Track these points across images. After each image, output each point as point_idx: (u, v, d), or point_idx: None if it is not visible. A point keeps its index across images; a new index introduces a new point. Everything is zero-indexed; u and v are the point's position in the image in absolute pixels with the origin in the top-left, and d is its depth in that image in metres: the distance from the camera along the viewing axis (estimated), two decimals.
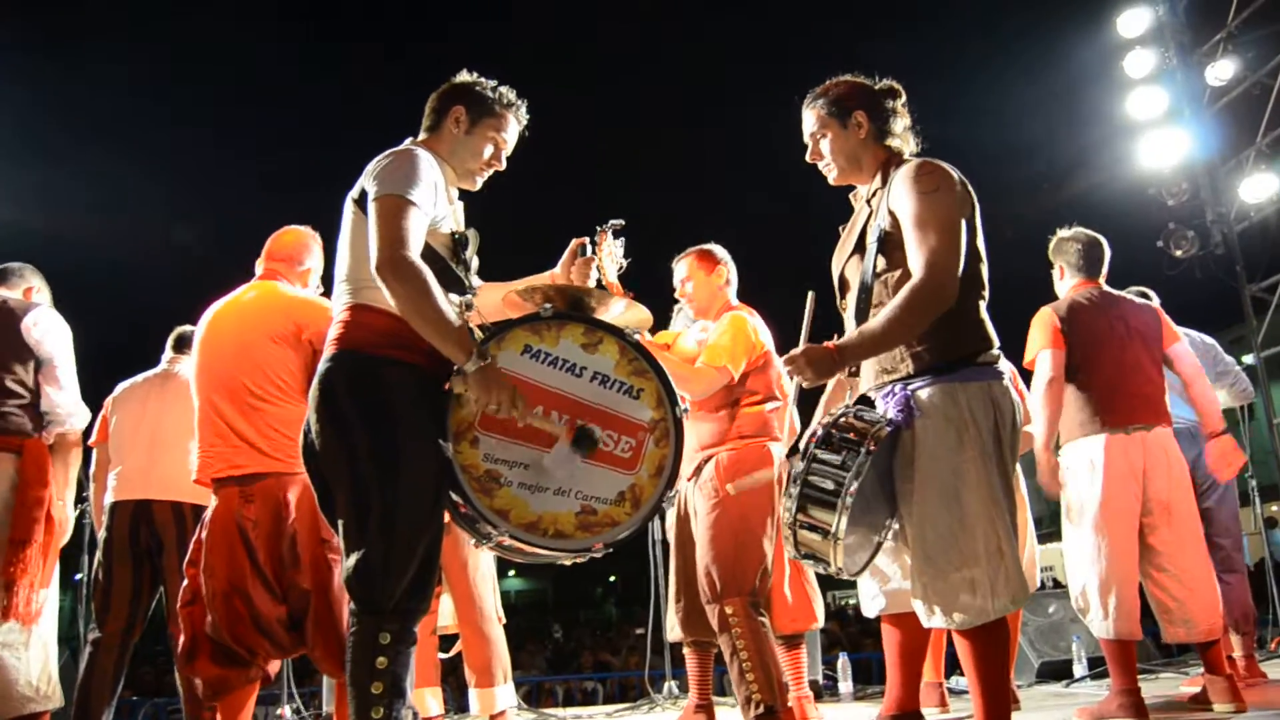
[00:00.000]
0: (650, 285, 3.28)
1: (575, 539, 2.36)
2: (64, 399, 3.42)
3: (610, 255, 3.03)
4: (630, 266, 3.12)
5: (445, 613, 3.86)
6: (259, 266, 3.37)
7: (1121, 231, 3.87)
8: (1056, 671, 5.46)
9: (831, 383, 3.26)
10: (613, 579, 33.97)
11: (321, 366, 2.35)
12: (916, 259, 2.33)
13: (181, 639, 3.01)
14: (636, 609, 19.72)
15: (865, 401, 2.56)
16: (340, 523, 2.29)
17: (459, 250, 2.47)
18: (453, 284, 2.41)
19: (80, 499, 4.27)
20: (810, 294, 2.53)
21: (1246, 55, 8.23)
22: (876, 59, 2.67)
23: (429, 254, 2.33)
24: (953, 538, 2.32)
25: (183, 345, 4.24)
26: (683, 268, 3.76)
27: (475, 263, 2.55)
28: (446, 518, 2.36)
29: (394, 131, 2.62)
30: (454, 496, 2.31)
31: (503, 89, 2.61)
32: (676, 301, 3.88)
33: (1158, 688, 4.61)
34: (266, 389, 3.05)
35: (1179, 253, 8.27)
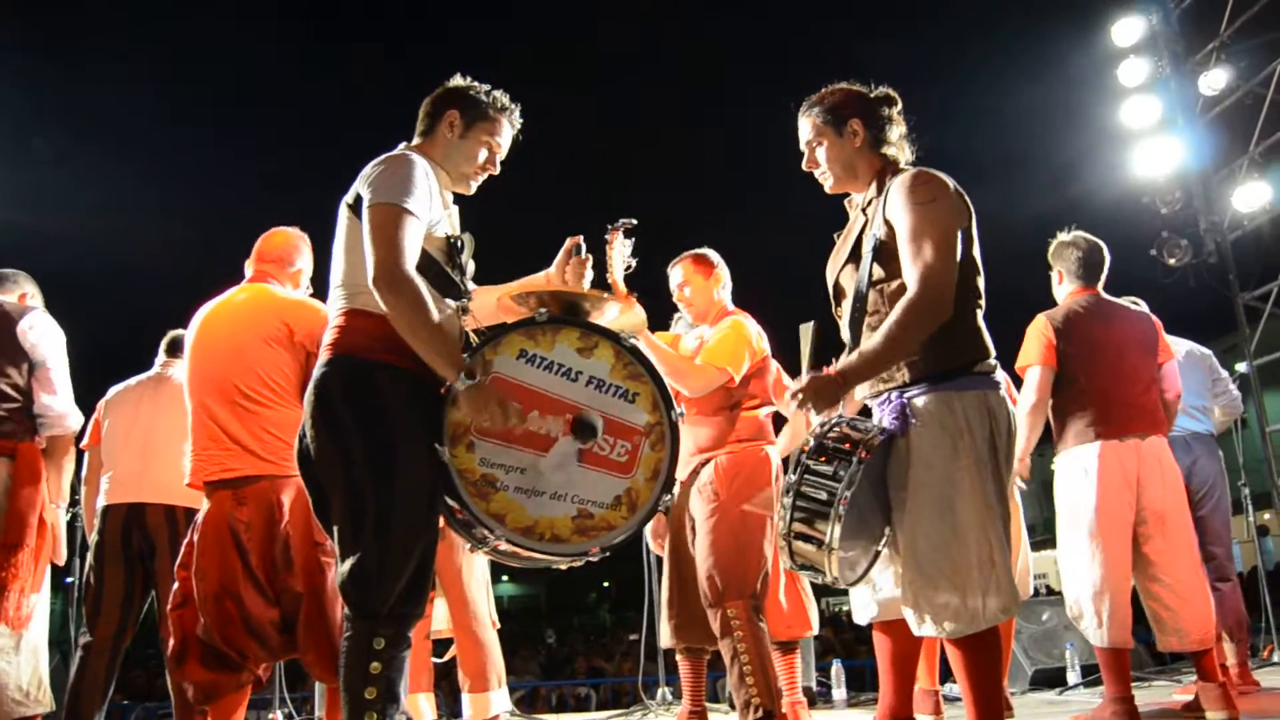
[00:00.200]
0: (647, 286, 3.28)
1: (571, 543, 2.36)
2: (57, 403, 3.41)
3: (620, 255, 3.02)
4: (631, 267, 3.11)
5: (439, 617, 3.85)
6: (249, 268, 3.36)
7: (1115, 240, 3.87)
8: (1050, 679, 5.46)
9: None
10: (606, 584, 33.96)
11: (317, 371, 2.35)
12: (912, 271, 2.33)
13: (171, 642, 3.00)
14: (630, 614, 19.72)
15: (861, 410, 2.56)
16: (335, 528, 2.29)
17: (454, 255, 2.47)
18: (448, 289, 2.41)
19: (72, 502, 4.24)
20: (812, 323, 2.52)
21: (1239, 64, 8.25)
22: (871, 66, 2.68)
23: (424, 259, 2.33)
24: (945, 547, 2.32)
25: (176, 349, 4.24)
26: (679, 272, 3.76)
27: (471, 267, 2.55)
28: (441, 522, 2.36)
29: (393, 132, 2.63)
30: (449, 501, 2.31)
31: (497, 93, 2.61)
32: (676, 308, 3.87)
33: (1151, 695, 4.61)
34: (260, 391, 3.04)
35: (1172, 261, 8.28)
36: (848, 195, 2.73)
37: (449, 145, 2.56)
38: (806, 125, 2.66)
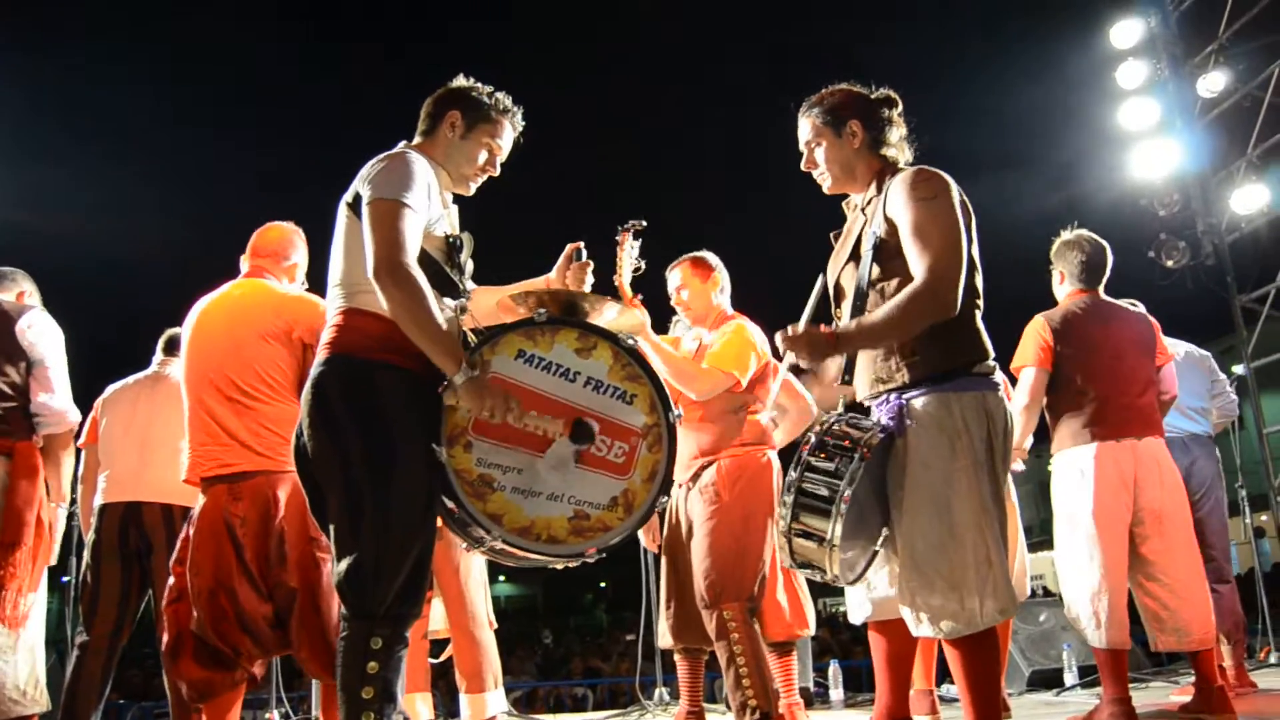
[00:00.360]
0: (646, 288, 3.28)
1: (568, 544, 2.36)
2: (55, 401, 3.40)
3: (629, 257, 3.01)
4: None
5: (436, 617, 3.85)
6: (244, 263, 3.36)
7: (1113, 241, 3.87)
8: (1047, 680, 5.46)
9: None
10: (603, 585, 33.94)
11: (314, 370, 2.34)
12: (919, 265, 2.33)
13: (166, 637, 3.00)
14: (627, 615, 19.70)
15: (859, 409, 2.56)
16: (332, 527, 2.28)
17: (453, 254, 2.47)
18: (447, 288, 2.41)
19: (70, 501, 4.24)
20: (820, 277, 2.53)
21: (1238, 67, 8.26)
22: (870, 67, 2.69)
23: (423, 258, 2.32)
24: (942, 547, 2.32)
25: (173, 348, 4.22)
26: (676, 275, 3.75)
27: (470, 267, 2.55)
28: (439, 521, 2.36)
29: (393, 132, 2.62)
30: (446, 501, 2.30)
31: (499, 94, 2.61)
32: (675, 311, 3.87)
33: (1148, 697, 4.61)
34: (257, 387, 3.03)
35: (1170, 263, 8.29)
36: (846, 196, 2.73)
37: (450, 145, 2.56)
38: (806, 126, 2.66)
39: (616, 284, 2.93)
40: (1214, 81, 8.25)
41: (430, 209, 2.38)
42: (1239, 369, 8.29)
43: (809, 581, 3.64)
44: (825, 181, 2.67)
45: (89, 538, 4.02)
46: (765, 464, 3.50)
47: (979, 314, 2.49)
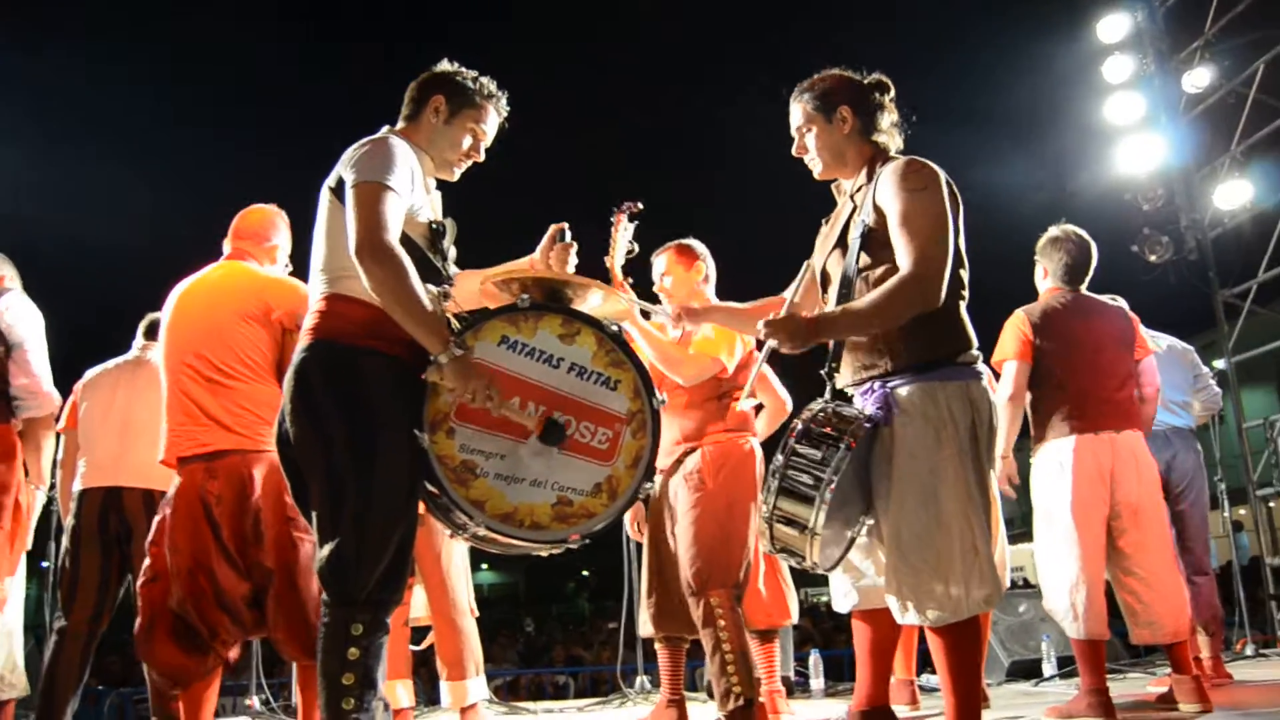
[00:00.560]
0: (634, 274, 3.28)
1: (551, 530, 2.35)
2: (34, 384, 3.37)
3: (623, 239, 2.98)
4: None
5: (418, 604, 3.84)
6: (226, 246, 3.33)
7: (1096, 236, 3.89)
8: (1026, 670, 5.50)
9: None
10: (585, 573, 33.97)
11: (297, 356, 2.32)
12: (906, 255, 2.33)
13: (139, 619, 2.98)
14: (609, 603, 19.72)
15: (842, 397, 2.56)
16: (314, 513, 2.27)
17: (436, 240, 2.46)
18: (430, 273, 2.39)
19: (49, 485, 4.21)
20: (805, 264, 2.53)
21: (1223, 63, 8.30)
22: (858, 62, 2.67)
23: (406, 244, 2.30)
24: (929, 536, 2.33)
25: (153, 332, 4.18)
26: (661, 262, 3.74)
27: (453, 253, 2.53)
28: (421, 508, 2.35)
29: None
30: (429, 487, 2.29)
31: (483, 80, 2.58)
32: (657, 298, 3.86)
33: (1125, 687, 4.65)
34: (235, 368, 3.01)
35: (1153, 258, 8.34)
36: (835, 181, 2.73)
37: (434, 130, 2.53)
38: (797, 111, 2.66)
39: (608, 265, 2.90)
40: (1199, 77, 8.29)
41: (414, 194, 2.36)
42: (1220, 364, 8.34)
43: (791, 570, 3.65)
44: (816, 167, 2.67)
45: (68, 523, 3.98)
46: (749, 451, 3.50)
47: (963, 305, 2.49)
